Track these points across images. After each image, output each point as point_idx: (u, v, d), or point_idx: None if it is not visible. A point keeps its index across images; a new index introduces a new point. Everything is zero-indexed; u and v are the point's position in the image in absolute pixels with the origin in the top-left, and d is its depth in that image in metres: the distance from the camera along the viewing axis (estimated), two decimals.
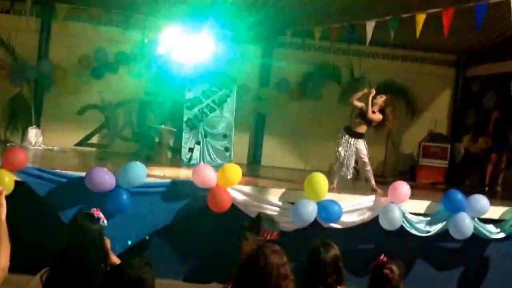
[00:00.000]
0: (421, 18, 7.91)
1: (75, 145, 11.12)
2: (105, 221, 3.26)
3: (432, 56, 12.39)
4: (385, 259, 3.54)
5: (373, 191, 7.46)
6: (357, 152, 7.77)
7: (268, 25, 11.47)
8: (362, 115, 7.82)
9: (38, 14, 11.07)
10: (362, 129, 7.85)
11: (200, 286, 6.46)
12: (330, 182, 7.20)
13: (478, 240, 7.21)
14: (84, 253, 3.03)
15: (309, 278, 3.36)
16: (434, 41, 10.69)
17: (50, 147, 10.29)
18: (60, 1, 10.89)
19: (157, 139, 9.73)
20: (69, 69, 11.02)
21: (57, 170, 6.45)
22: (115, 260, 3.57)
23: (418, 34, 7.91)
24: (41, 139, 10.58)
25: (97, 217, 3.19)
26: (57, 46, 11.15)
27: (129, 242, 6.14)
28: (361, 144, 7.81)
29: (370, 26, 8.76)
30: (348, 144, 7.80)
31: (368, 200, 7.02)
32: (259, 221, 4.35)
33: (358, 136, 7.81)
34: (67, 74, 11.00)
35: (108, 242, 3.45)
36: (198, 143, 10.21)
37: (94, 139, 11.40)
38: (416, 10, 8.05)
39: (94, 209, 3.28)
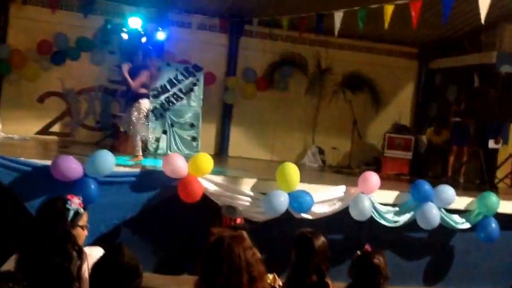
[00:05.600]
0: (389, 9, 7.94)
1: (36, 133, 10.73)
2: (78, 207, 3.15)
3: (396, 49, 12.53)
4: (370, 249, 3.52)
5: None
6: None
7: (234, 13, 11.36)
8: None
9: None
10: None
11: (171, 277, 6.34)
12: None
13: (444, 230, 7.33)
14: (48, 234, 3.00)
15: (300, 267, 3.32)
16: (399, 34, 10.82)
17: (9, 135, 9.91)
18: None
19: (121, 128, 9.48)
20: (28, 54, 10.61)
21: (21, 159, 6.19)
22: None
23: (386, 25, 7.93)
24: (0, 126, 10.17)
25: (68, 200, 3.15)
26: (15, 31, 10.72)
27: (99, 232, 5.95)
28: None
29: (338, 16, 8.76)
30: None
31: (338, 190, 7.02)
32: (219, 211, 4.29)
33: None
34: (26, 59, 10.59)
35: (82, 234, 3.32)
36: (164, 132, 10.04)
37: (56, 128, 11.02)
38: (384, 1, 8.09)
39: (68, 195, 3.22)
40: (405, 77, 12.78)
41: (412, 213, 7.16)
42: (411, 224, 7.19)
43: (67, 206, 3.15)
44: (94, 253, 2.96)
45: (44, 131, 10.88)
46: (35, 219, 3.19)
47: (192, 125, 10.34)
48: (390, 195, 7.38)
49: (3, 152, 7.25)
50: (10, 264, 2.98)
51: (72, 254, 2.95)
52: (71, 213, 3.16)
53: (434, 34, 11.49)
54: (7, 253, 3.13)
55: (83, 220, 3.25)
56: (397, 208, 7.21)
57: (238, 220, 4.28)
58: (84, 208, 3.25)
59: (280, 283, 3.48)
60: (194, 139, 10.29)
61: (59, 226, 3.05)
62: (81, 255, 3.00)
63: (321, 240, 3.51)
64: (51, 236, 2.99)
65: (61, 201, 3.17)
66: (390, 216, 7.13)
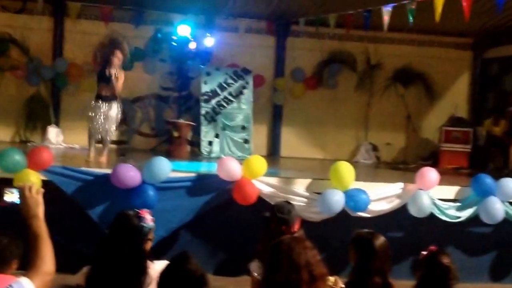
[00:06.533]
0: (440, 1, 7.76)
1: (95, 142, 11.06)
2: (151, 223, 3.17)
3: (449, 40, 12.22)
4: (436, 248, 3.45)
5: None
6: None
7: (280, 14, 11.38)
8: None
9: (51, 13, 11.04)
10: None
11: (230, 279, 6.40)
12: None
13: (509, 224, 7.09)
14: (125, 251, 2.93)
15: (362, 269, 3.29)
16: (451, 25, 10.54)
17: (71, 146, 10.26)
18: (71, 0, 10.84)
19: (175, 134, 9.67)
20: (84, 66, 10.96)
21: (82, 168, 6.42)
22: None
23: (437, 18, 7.76)
24: (61, 137, 10.57)
25: (143, 217, 3.10)
26: (71, 44, 11.12)
27: (158, 237, 6.08)
28: None
29: (387, 11, 8.63)
30: None
31: (396, 187, 6.91)
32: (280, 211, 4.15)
33: None
34: (82, 72, 10.95)
35: (149, 246, 3.38)
36: (217, 136, 10.17)
37: (113, 136, 11.33)
38: None
39: (142, 210, 3.18)
40: (459, 68, 12.45)
41: (474, 208, 6.98)
42: (473, 219, 7.01)
43: (142, 223, 3.16)
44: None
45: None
46: (110, 234, 3.14)
47: (243, 128, 10.42)
48: (450, 190, 7.22)
49: (65, 162, 7.56)
50: (79, 278, 3.02)
51: (148, 270, 2.93)
52: (146, 229, 3.21)
53: (489, 23, 11.12)
54: (70, 259, 3.21)
55: (151, 234, 3.31)
56: (458, 204, 7.05)
57: (296, 227, 4.19)
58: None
59: (342, 286, 3.44)
60: (246, 141, 10.37)
61: (136, 243, 3.02)
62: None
63: (381, 240, 3.45)
64: (129, 252, 2.94)
65: (136, 218, 3.17)
66: (452, 212, 6.98)
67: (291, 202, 6.26)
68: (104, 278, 2.91)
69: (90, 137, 8.00)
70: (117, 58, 7.90)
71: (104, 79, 7.86)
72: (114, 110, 7.89)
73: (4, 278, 2.95)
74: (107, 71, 7.83)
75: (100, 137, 7.93)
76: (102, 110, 7.83)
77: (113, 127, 7.96)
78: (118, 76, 7.86)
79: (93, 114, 7.82)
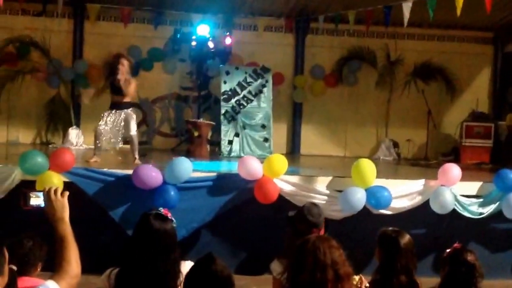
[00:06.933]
0: None
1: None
2: (174, 220, 3.15)
3: (469, 34, 12.07)
4: (460, 246, 3.42)
5: None
6: None
7: (299, 12, 11.35)
8: None
9: (70, 15, 11.15)
10: None
11: (252, 277, 6.41)
12: None
13: None
14: (162, 255, 2.91)
15: (388, 268, 3.27)
16: (471, 19, 10.41)
17: (91, 147, 10.35)
18: (90, 1, 10.94)
19: (195, 133, 9.70)
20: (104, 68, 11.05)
21: (104, 169, 6.48)
22: None
23: (458, 12, 7.67)
24: (82, 139, 10.68)
25: (169, 217, 3.05)
26: (90, 46, 11.23)
27: (180, 236, 6.11)
28: None
29: (407, 7, 8.56)
30: None
31: (417, 184, 6.86)
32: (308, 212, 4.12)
33: None
34: (102, 73, 11.03)
35: None
36: (237, 135, 10.18)
37: (136, 139, 11.39)
38: None
39: (162, 209, 3.14)
40: (480, 62, 12.29)
41: (497, 203, 6.90)
42: (496, 215, 6.93)
43: (168, 222, 3.05)
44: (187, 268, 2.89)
45: (124, 140, 11.29)
46: (136, 236, 3.04)
47: (263, 126, 10.41)
48: (472, 186, 7.14)
49: (86, 163, 7.61)
50: (104, 280, 3.04)
51: (180, 271, 2.94)
52: (173, 229, 3.08)
53: (510, 16, 10.98)
54: (93, 260, 3.22)
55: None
56: (481, 200, 6.96)
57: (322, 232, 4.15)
58: None
59: (367, 285, 3.42)
60: (266, 140, 10.36)
61: (166, 244, 2.96)
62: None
63: (406, 238, 3.43)
64: (162, 254, 2.92)
65: (160, 217, 3.06)
66: (474, 208, 6.89)
67: (311, 200, 6.31)
68: (136, 280, 2.90)
69: (95, 140, 8.01)
70: (123, 64, 8.00)
71: (115, 89, 7.98)
72: (129, 116, 7.94)
73: (32, 281, 2.99)
74: (116, 79, 7.91)
75: (107, 142, 7.96)
76: (113, 117, 7.89)
77: (133, 131, 7.98)
78: (128, 82, 7.92)
79: (102, 121, 7.88)
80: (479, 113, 11.24)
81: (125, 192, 6.21)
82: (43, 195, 2.47)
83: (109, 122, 7.88)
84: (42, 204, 2.48)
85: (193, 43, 10.81)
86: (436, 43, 11.95)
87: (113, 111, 7.94)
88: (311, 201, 4.47)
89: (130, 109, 8.08)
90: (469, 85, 12.16)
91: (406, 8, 8.53)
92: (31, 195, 2.49)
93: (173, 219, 3.05)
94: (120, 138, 7.99)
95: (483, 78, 12.37)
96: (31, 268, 3.33)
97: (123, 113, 7.94)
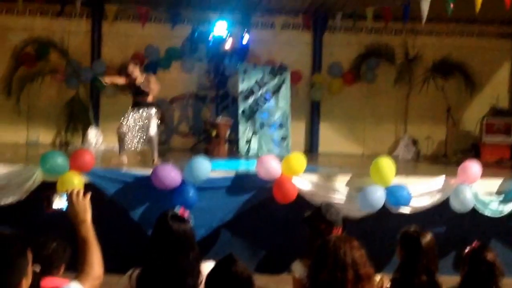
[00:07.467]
0: None
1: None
2: (191, 219, 3.16)
3: (489, 29, 11.89)
4: (480, 244, 3.38)
5: None
6: None
7: (316, 9, 11.29)
8: None
9: (88, 15, 11.24)
10: None
11: (271, 277, 6.42)
12: None
13: None
14: (181, 255, 2.94)
15: (409, 267, 3.25)
16: (490, 14, 10.26)
17: (110, 147, 10.44)
18: (108, 2, 11.01)
19: (213, 133, 9.72)
20: (122, 68, 11.11)
21: (123, 170, 6.52)
22: None
23: (477, 9, 7.58)
24: (101, 139, 10.75)
25: (186, 218, 3.07)
26: (108, 46, 11.30)
27: (199, 236, 6.14)
28: None
29: (426, 2, 8.47)
30: None
31: (437, 182, 6.80)
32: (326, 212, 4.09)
33: None
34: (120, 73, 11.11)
35: None
36: (255, 133, 10.17)
37: (156, 140, 11.46)
38: None
39: (179, 208, 3.16)
40: (500, 58, 12.10)
41: None
42: None
43: (187, 222, 3.07)
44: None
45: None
46: (155, 236, 3.06)
47: (281, 125, 10.39)
48: (493, 184, 7.07)
49: (106, 164, 7.68)
50: (125, 281, 3.05)
51: (200, 270, 2.95)
52: (191, 229, 3.11)
53: None
54: (114, 261, 3.25)
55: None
56: (501, 197, 6.88)
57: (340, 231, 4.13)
58: None
59: (387, 286, 3.40)
60: (284, 138, 10.34)
61: (185, 244, 2.98)
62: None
63: (428, 237, 3.41)
64: (181, 253, 2.94)
65: (178, 218, 3.08)
66: (494, 206, 6.82)
67: (330, 199, 6.30)
68: (157, 280, 2.93)
69: (119, 141, 8.06)
70: (131, 66, 8.05)
71: (135, 89, 8.03)
72: (151, 115, 7.96)
73: (57, 281, 3.02)
74: (134, 81, 7.98)
75: (130, 141, 7.98)
76: (136, 116, 7.93)
77: (153, 132, 8.00)
78: (147, 80, 7.96)
79: (124, 120, 7.91)
80: (499, 109, 11.10)
81: (144, 192, 6.25)
82: (66, 197, 2.49)
83: (131, 120, 7.92)
84: (64, 207, 2.50)
85: (211, 42, 10.81)
86: (455, 39, 11.80)
87: (136, 110, 7.97)
88: (327, 201, 4.47)
89: (153, 109, 8.09)
90: (488, 81, 11.99)
91: (425, 4, 8.43)
92: (54, 198, 2.51)
93: (190, 218, 3.07)
94: (142, 138, 7.98)
95: (503, 73, 12.19)
96: (54, 270, 3.36)
97: (145, 112, 7.97)
